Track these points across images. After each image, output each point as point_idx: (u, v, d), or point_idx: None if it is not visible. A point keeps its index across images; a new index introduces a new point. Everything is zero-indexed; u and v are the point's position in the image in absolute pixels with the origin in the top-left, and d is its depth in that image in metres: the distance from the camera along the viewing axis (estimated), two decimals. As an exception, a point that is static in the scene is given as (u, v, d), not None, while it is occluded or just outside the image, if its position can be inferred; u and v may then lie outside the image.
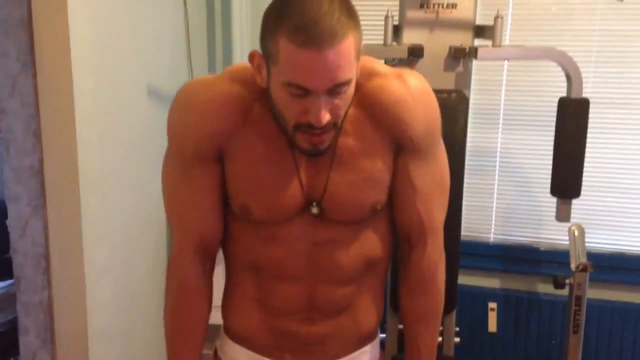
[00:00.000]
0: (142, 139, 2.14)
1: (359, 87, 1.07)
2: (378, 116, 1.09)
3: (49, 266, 1.89)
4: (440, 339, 2.27)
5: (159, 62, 2.24)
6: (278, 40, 0.95)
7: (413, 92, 1.10)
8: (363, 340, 1.23)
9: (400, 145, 1.12)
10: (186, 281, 1.17)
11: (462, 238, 2.54)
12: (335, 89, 0.97)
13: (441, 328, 2.26)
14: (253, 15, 2.58)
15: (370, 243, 1.17)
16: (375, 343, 1.27)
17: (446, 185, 1.21)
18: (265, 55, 1.00)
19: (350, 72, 0.98)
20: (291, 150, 1.08)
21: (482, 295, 2.58)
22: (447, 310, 2.20)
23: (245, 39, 2.56)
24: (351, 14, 0.97)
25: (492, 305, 2.54)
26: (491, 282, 2.64)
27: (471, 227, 2.62)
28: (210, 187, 1.12)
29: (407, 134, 1.10)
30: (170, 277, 1.19)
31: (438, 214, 1.20)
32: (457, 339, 2.25)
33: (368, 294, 1.20)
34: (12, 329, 2.31)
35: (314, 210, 1.10)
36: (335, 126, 1.03)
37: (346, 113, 1.06)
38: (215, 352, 1.28)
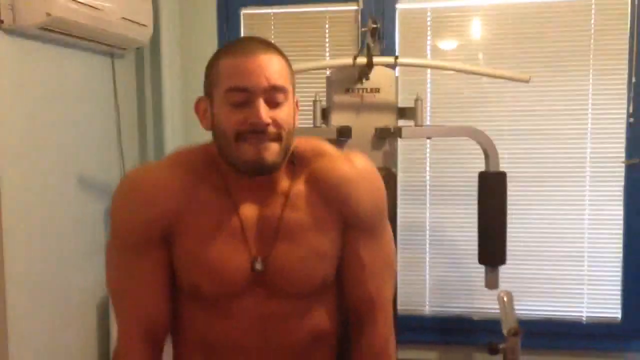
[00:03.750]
0: (70, 233, 2.10)
1: (308, 165, 1.16)
2: (326, 194, 1.15)
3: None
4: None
5: (89, 155, 2.23)
6: (218, 64, 1.09)
7: (360, 172, 1.18)
8: None
9: (348, 223, 1.17)
10: None
11: (399, 312, 2.58)
12: (272, 95, 1.07)
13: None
14: (184, 104, 2.63)
15: (320, 317, 1.18)
16: None
17: (393, 263, 1.26)
18: (208, 88, 1.12)
19: (285, 82, 1.09)
20: (241, 224, 1.12)
21: (421, 369, 2.59)
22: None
23: (177, 128, 2.60)
24: (281, 51, 1.13)
25: (433, 379, 2.56)
26: (429, 355, 2.66)
27: (407, 301, 2.66)
28: (156, 274, 1.13)
29: (354, 212, 1.16)
30: None
31: (386, 291, 1.23)
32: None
33: None
34: None
35: (258, 266, 1.12)
36: (280, 140, 1.09)
37: (291, 185, 1.15)
38: None
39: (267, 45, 1.10)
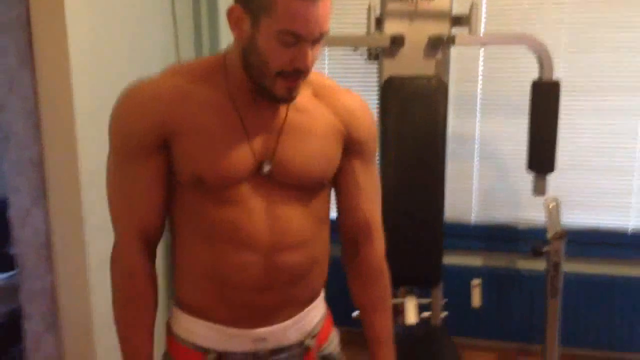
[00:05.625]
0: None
1: (313, 83, 1.20)
2: (336, 110, 1.22)
3: (52, 253, 1.96)
4: (428, 313, 2.39)
5: (150, 56, 2.32)
6: None
7: (362, 103, 1.27)
8: (313, 299, 1.30)
9: (349, 148, 1.24)
10: (136, 272, 1.21)
11: (445, 220, 2.67)
12: (317, 39, 1.09)
13: (429, 300, 2.38)
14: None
15: (319, 208, 1.25)
16: (321, 297, 1.34)
17: (379, 189, 1.34)
18: (253, 9, 1.08)
19: (329, 24, 1.10)
20: (240, 118, 1.16)
21: (466, 273, 2.69)
22: (434, 283, 2.33)
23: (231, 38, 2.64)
24: None
25: (476, 281, 2.66)
26: (474, 261, 2.76)
27: (454, 210, 2.73)
28: (154, 177, 1.18)
29: (357, 136, 1.24)
30: (118, 269, 1.22)
31: (378, 213, 1.33)
32: (444, 313, 2.38)
33: (318, 260, 1.27)
34: (9, 320, 2.37)
35: (266, 167, 1.17)
36: (307, 75, 1.14)
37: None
38: (169, 329, 1.29)
39: None
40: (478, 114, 2.66)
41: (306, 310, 1.27)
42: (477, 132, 2.69)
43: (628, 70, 2.52)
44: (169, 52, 2.47)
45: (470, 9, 2.00)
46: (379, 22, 2.13)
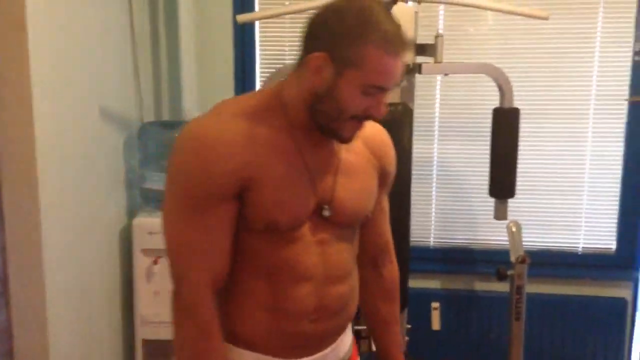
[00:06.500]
0: (96, 160, 2.16)
1: None
2: (373, 147, 1.31)
3: (7, 290, 1.86)
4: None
5: (108, 85, 2.28)
6: (367, 49, 1.09)
7: (386, 134, 1.37)
8: (347, 326, 1.38)
9: (380, 178, 1.33)
10: (212, 319, 1.18)
11: (404, 243, 2.69)
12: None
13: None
14: (198, 37, 2.64)
15: (355, 240, 1.35)
16: (350, 324, 1.40)
17: None
18: (340, 60, 1.10)
19: None
20: (303, 159, 1.20)
21: (425, 296, 2.73)
22: (400, 309, 2.34)
23: (192, 66, 2.61)
24: None
25: (435, 304, 2.70)
26: (433, 283, 2.80)
27: (413, 233, 2.77)
28: (228, 224, 1.17)
29: (388, 169, 1.36)
30: (191, 318, 1.18)
31: None
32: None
33: (355, 289, 1.35)
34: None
35: (326, 213, 1.23)
36: None
37: None
38: None
39: (405, 34, 1.13)
40: (436, 138, 2.73)
41: (340, 337, 1.34)
42: (435, 156, 2.74)
43: (573, 97, 2.64)
44: (126, 77, 2.44)
45: (436, 39, 2.06)
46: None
